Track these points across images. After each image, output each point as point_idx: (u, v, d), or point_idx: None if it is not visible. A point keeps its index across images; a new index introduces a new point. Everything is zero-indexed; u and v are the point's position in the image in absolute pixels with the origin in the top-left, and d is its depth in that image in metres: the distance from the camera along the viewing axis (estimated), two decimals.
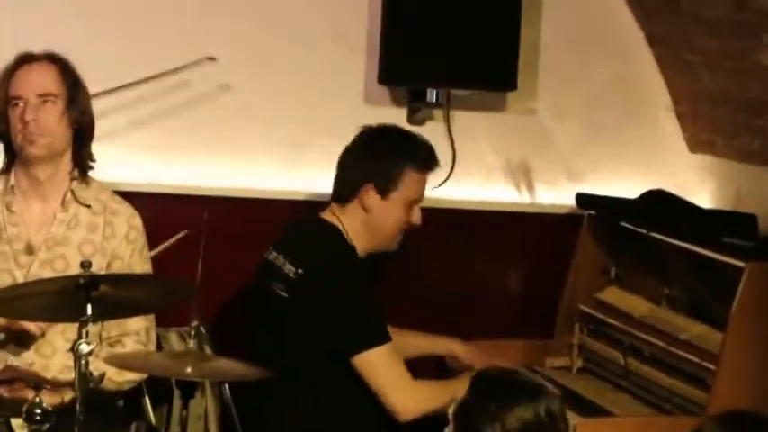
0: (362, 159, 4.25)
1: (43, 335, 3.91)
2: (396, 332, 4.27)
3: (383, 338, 4.08)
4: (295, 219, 4.42)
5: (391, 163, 4.22)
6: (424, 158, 4.27)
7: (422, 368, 4.35)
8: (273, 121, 4.83)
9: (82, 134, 4.07)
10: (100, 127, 4.14)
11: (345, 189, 4.23)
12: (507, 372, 3.24)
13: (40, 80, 4.02)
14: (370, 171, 4.21)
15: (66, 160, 4.07)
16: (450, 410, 3.13)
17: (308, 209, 4.35)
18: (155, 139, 4.78)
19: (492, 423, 2.95)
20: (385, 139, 4.27)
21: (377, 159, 4.23)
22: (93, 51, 4.47)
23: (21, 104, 3.98)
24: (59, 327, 3.89)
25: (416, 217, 4.27)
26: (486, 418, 2.96)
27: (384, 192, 4.19)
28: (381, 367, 4.06)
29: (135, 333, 4.05)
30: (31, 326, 3.88)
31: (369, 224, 4.22)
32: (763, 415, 3.05)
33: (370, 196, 4.19)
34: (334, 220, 4.21)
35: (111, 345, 4.01)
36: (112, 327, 4.02)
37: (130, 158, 4.66)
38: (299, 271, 4.12)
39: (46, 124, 3.98)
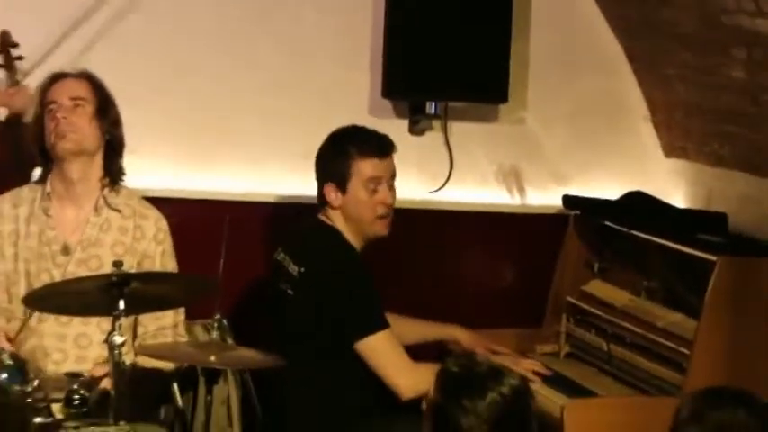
0: (317, 164, 4.23)
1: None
2: (399, 319, 4.28)
3: (383, 325, 4.06)
4: (299, 220, 4.42)
5: (337, 159, 4.18)
6: (365, 144, 4.19)
7: (424, 351, 4.36)
8: (286, 133, 4.85)
9: (113, 146, 4.10)
10: (131, 138, 4.16)
11: (318, 195, 4.22)
12: (467, 363, 3.19)
13: (73, 87, 4.09)
14: (324, 172, 4.20)
15: (97, 166, 4.09)
16: (424, 407, 3.14)
17: (310, 210, 4.36)
18: (181, 150, 4.81)
19: (467, 416, 2.96)
20: (330, 140, 4.24)
21: (326, 160, 4.20)
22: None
23: (54, 107, 4.04)
24: (95, 320, 3.92)
25: (384, 196, 4.18)
26: (461, 413, 2.97)
27: (342, 186, 4.15)
28: (382, 351, 4.06)
29: (173, 326, 4.08)
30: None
31: (347, 218, 4.17)
32: (738, 389, 3.06)
33: (332, 194, 4.16)
34: (327, 220, 4.20)
35: (153, 337, 4.04)
36: (150, 322, 4.04)
37: (158, 168, 4.69)
38: (302, 270, 4.11)
39: (76, 122, 4.02)
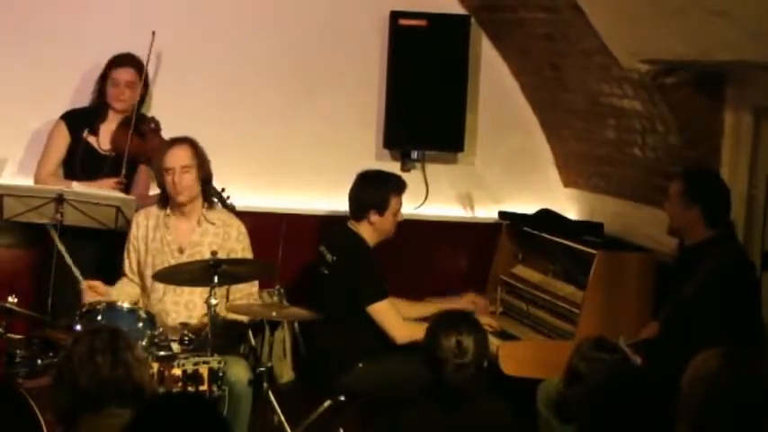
0: (365, 194, 4.13)
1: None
2: (414, 304, 4.24)
3: (384, 295, 4.04)
4: (334, 226, 4.39)
5: (382, 194, 4.12)
6: (400, 186, 4.17)
7: None
8: (323, 170, 4.80)
9: (205, 183, 4.03)
10: (223, 173, 4.13)
11: (356, 213, 4.15)
12: (455, 312, 3.32)
13: (182, 156, 3.93)
14: (371, 202, 4.12)
15: (199, 200, 4.02)
16: (427, 327, 3.17)
17: (341, 220, 4.35)
18: (255, 179, 4.77)
19: (448, 338, 3.04)
20: (376, 179, 4.18)
21: (373, 193, 4.13)
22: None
23: (171, 173, 3.92)
24: (198, 290, 3.86)
25: (400, 217, 4.17)
26: (444, 336, 3.05)
27: (381, 212, 4.11)
28: (384, 313, 4.03)
29: (251, 294, 4.02)
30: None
31: (376, 230, 4.14)
32: (609, 339, 3.17)
33: (373, 217, 4.11)
34: (354, 228, 4.16)
35: (237, 300, 3.95)
36: (237, 292, 3.99)
37: (241, 191, 4.53)
38: (334, 258, 4.09)
39: (186, 183, 3.93)
